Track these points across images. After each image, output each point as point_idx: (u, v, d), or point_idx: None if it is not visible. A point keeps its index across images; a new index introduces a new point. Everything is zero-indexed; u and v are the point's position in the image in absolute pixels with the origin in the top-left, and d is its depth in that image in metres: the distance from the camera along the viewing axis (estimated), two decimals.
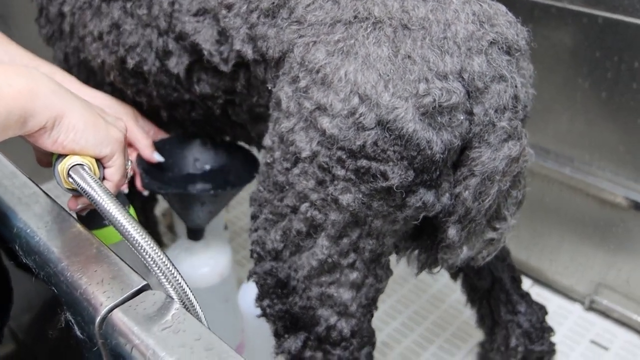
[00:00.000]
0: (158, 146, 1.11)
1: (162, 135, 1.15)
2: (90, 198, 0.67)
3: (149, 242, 0.63)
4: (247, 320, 1.21)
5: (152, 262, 0.62)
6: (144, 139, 1.08)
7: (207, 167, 1.18)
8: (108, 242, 0.89)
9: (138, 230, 0.64)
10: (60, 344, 0.76)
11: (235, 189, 1.11)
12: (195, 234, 1.22)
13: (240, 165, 1.16)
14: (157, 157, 1.10)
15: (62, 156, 0.71)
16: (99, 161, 0.73)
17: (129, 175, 0.79)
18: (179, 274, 0.63)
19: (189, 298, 0.63)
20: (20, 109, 0.64)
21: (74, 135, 0.69)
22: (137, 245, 0.63)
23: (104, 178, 0.75)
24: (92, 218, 0.87)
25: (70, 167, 0.70)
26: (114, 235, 0.89)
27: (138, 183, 1.10)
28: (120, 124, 0.77)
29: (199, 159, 1.17)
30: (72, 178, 0.69)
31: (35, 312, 1.02)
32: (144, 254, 0.63)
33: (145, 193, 1.12)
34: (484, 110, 0.73)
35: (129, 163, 0.79)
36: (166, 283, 0.62)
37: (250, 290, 1.18)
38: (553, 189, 1.45)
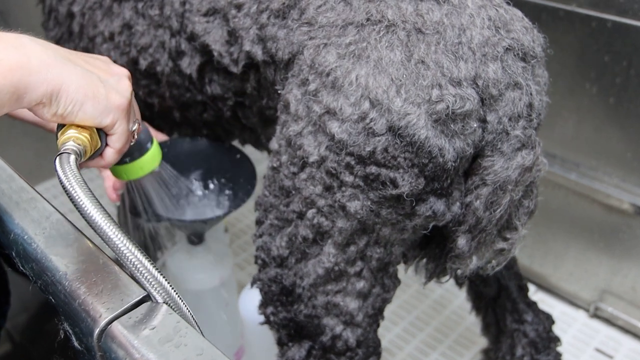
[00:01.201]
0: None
1: (162, 137, 1.11)
2: (68, 195, 0.63)
3: (129, 247, 0.60)
4: (247, 325, 1.20)
5: (129, 263, 0.60)
6: None
7: (208, 180, 1.14)
8: (131, 177, 0.90)
9: (117, 235, 0.60)
10: (57, 347, 0.74)
11: (228, 213, 1.09)
12: (194, 238, 1.20)
13: (240, 177, 1.13)
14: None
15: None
16: (101, 130, 0.72)
17: (135, 136, 0.78)
18: (162, 275, 0.60)
19: (172, 298, 0.60)
20: (12, 86, 0.61)
21: (72, 107, 0.67)
22: (118, 251, 0.60)
23: (106, 145, 0.73)
24: None
25: (59, 154, 0.66)
26: (134, 171, 0.90)
27: (110, 193, 1.05)
28: (123, 85, 0.73)
29: (200, 166, 1.14)
30: (55, 165, 0.65)
31: (32, 314, 1.01)
32: (126, 260, 0.60)
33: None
34: (498, 118, 0.71)
35: (135, 126, 0.77)
36: (143, 280, 0.60)
37: (250, 295, 1.17)
38: (558, 195, 1.44)
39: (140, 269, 0.60)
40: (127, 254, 0.60)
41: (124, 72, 0.76)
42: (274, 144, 0.80)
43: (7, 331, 1.06)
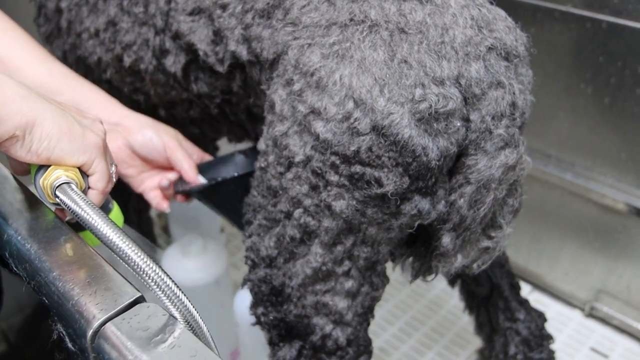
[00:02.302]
0: (201, 169, 1.04)
1: (206, 158, 1.08)
2: (80, 219, 0.63)
3: (147, 262, 0.60)
4: (241, 326, 1.20)
5: (153, 284, 0.59)
6: (187, 160, 1.01)
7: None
8: (95, 243, 0.87)
9: (135, 251, 0.60)
10: (52, 347, 0.74)
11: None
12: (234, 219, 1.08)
13: None
14: (200, 180, 1.02)
15: (42, 168, 0.67)
16: (80, 169, 0.69)
17: (114, 180, 0.75)
18: (183, 293, 0.60)
19: (193, 317, 0.60)
20: None
21: (48, 143, 0.65)
22: (133, 264, 0.60)
23: (88, 187, 0.71)
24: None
25: (57, 187, 0.65)
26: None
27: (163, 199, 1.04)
28: (98, 126, 0.72)
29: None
30: (59, 198, 0.65)
31: (28, 314, 1.01)
32: (142, 274, 0.60)
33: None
34: (481, 117, 0.72)
35: (113, 167, 0.75)
36: (168, 302, 0.59)
37: (245, 296, 1.17)
38: (554, 195, 1.44)
39: (165, 288, 0.59)
40: (156, 279, 0.59)
41: (96, 117, 0.75)
42: (261, 144, 0.81)
43: (3, 331, 1.06)
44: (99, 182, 0.71)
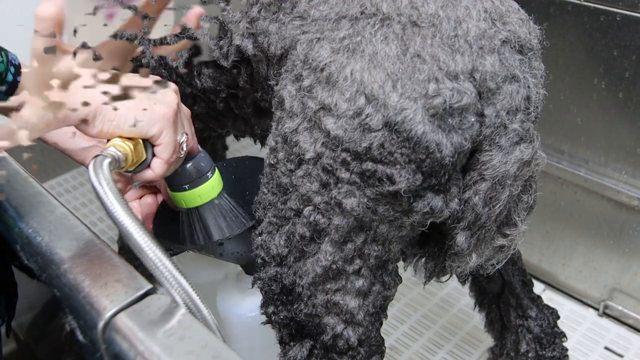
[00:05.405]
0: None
1: None
2: (96, 194, 0.65)
3: (154, 250, 0.61)
4: (225, 325, 1.14)
5: (160, 274, 0.61)
6: None
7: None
8: (189, 205, 0.88)
9: (141, 235, 0.62)
10: (62, 345, 0.74)
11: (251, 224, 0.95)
12: (247, 268, 1.03)
13: None
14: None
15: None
16: (148, 140, 0.73)
17: (184, 148, 0.78)
18: (190, 285, 0.62)
19: (194, 302, 0.61)
20: None
21: (117, 122, 0.69)
22: (141, 252, 0.62)
23: (153, 155, 0.75)
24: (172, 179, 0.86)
25: (95, 157, 0.68)
26: (192, 199, 0.87)
27: None
28: (169, 96, 0.75)
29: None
30: (88, 170, 0.67)
31: (36, 312, 1.01)
32: (150, 263, 0.62)
33: None
34: (496, 111, 0.70)
35: (183, 137, 0.78)
36: (172, 290, 0.61)
37: (228, 293, 1.12)
38: (567, 191, 1.42)
39: (166, 274, 0.62)
40: (159, 266, 0.62)
41: (170, 86, 0.78)
42: (270, 141, 0.80)
43: (13, 330, 1.06)
44: (164, 152, 0.75)
